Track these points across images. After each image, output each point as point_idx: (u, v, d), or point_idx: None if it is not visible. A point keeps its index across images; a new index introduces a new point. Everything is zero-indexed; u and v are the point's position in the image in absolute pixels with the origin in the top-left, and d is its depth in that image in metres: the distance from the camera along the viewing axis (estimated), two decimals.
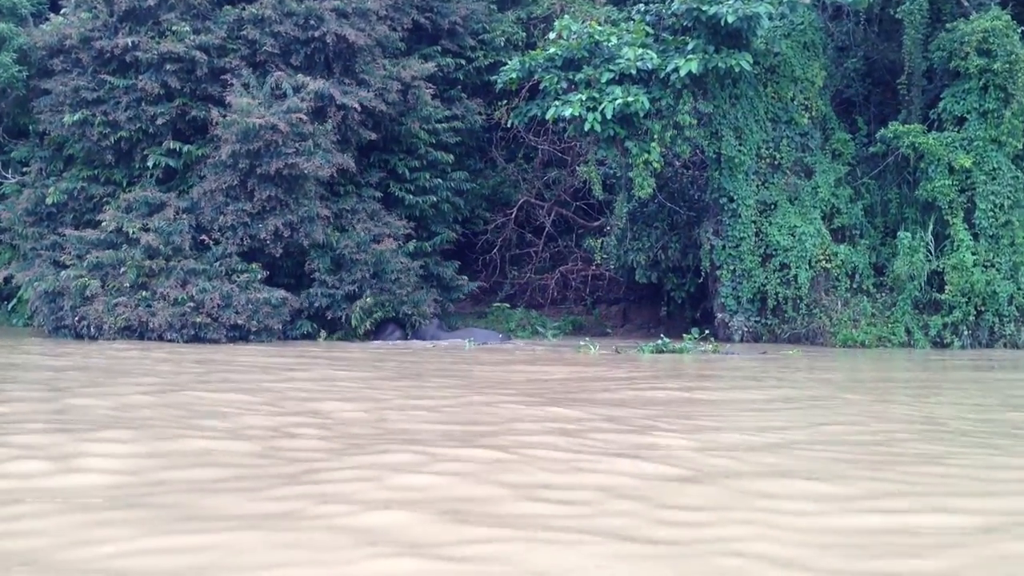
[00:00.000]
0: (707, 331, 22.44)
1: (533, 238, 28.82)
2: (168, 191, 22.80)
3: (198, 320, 21.11)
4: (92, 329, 21.49)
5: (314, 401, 11.02)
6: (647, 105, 21.20)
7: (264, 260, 22.41)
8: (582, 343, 20.44)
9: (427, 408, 10.58)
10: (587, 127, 21.24)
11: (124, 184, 23.23)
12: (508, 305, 27.16)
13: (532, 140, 28.41)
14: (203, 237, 22.01)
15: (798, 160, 23.62)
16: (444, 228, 25.76)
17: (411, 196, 24.70)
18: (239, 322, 21.29)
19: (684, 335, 21.63)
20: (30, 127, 24.89)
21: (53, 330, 22.32)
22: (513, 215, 28.30)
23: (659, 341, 20.05)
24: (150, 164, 22.78)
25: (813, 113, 23.76)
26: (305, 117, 21.70)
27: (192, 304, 21.17)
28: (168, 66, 22.59)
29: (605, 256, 25.62)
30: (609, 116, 21.25)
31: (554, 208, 28.56)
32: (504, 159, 28.90)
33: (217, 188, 21.98)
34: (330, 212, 23.03)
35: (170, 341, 20.94)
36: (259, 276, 21.94)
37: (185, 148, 22.86)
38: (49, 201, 23.30)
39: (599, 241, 25.85)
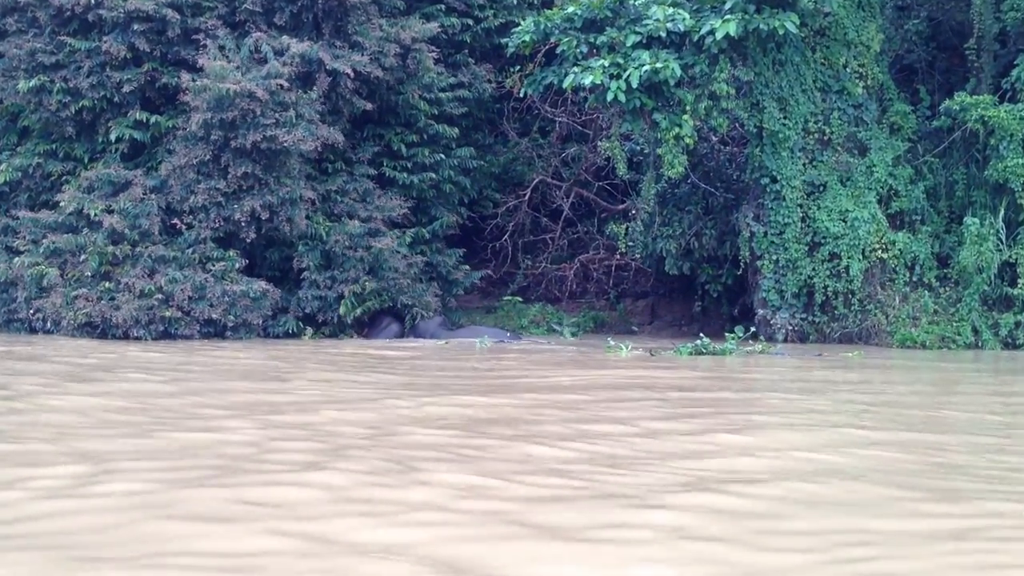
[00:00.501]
0: (752, 329, 22.01)
1: (549, 223, 28.61)
2: (136, 168, 22.20)
3: (167, 314, 20.58)
4: (48, 324, 21.10)
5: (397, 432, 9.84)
6: (678, 72, 20.65)
7: (242, 248, 21.89)
8: (611, 343, 20.04)
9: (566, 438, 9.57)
10: (610, 97, 20.64)
11: (86, 160, 22.60)
12: (520, 299, 26.79)
13: (549, 112, 28.14)
14: (174, 221, 21.54)
15: (851, 135, 23.00)
16: (446, 211, 25.31)
17: (406, 175, 24.25)
18: (214, 316, 20.79)
19: (727, 334, 21.17)
20: None
21: (4, 323, 21.94)
22: (527, 197, 28.01)
23: (698, 341, 19.55)
24: (114, 137, 22.15)
25: (868, 82, 23.16)
26: (287, 83, 21.18)
27: (160, 296, 20.63)
28: (136, 26, 21.90)
29: (631, 244, 25.25)
30: (635, 85, 20.58)
31: (573, 189, 28.22)
32: (517, 133, 28.65)
33: (187, 164, 21.41)
34: (316, 194, 22.58)
35: (136, 339, 20.40)
36: (236, 265, 21.41)
37: (154, 119, 22.22)
38: (1, 180, 22.74)
39: (623, 227, 25.38)
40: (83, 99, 22.12)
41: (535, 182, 28.23)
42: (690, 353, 19.13)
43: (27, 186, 22.96)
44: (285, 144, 21.12)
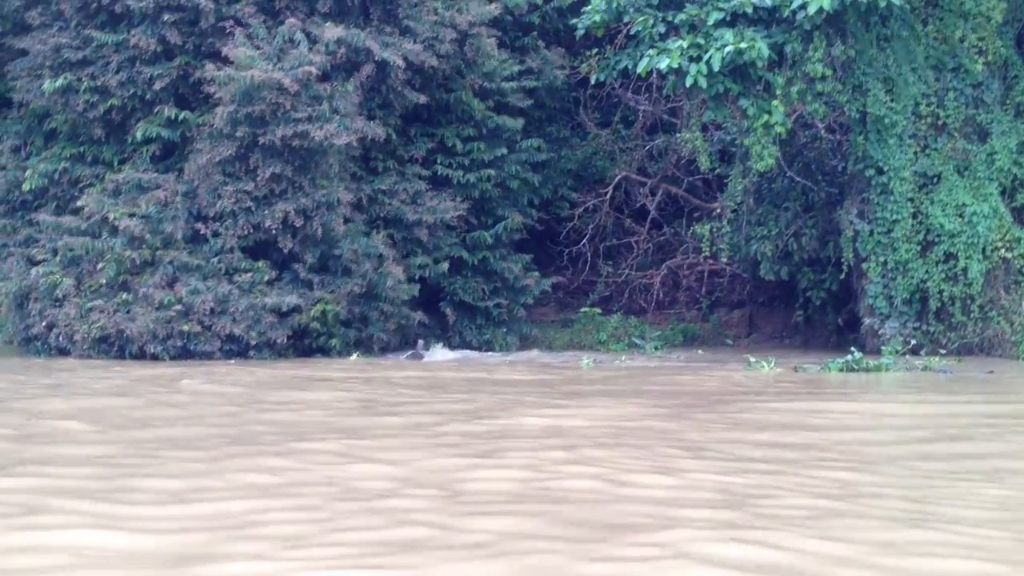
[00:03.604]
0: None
1: (634, 225, 29.23)
2: (167, 171, 23.60)
3: (185, 328, 21.70)
4: (62, 340, 22.34)
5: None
6: (766, 53, 21.25)
7: (275, 257, 22.95)
8: (752, 360, 20.33)
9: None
10: (689, 82, 21.34)
11: (115, 163, 24.07)
12: (599, 311, 27.50)
13: (631, 99, 28.80)
14: (199, 226, 22.64)
15: (969, 119, 23.65)
16: (512, 212, 26.27)
17: (463, 173, 25.31)
18: (236, 332, 21.82)
19: (883, 347, 22.10)
20: (3, 96, 25.92)
21: (24, 342, 23.18)
22: (608, 195, 28.63)
23: (848, 356, 19.96)
24: (139, 136, 23.59)
25: (990, 57, 23.67)
26: (318, 72, 22.28)
27: (179, 308, 21.76)
28: (166, 17, 23.28)
29: (720, 247, 26.18)
30: (717, 68, 21.30)
31: (661, 186, 28.97)
32: (596, 125, 29.35)
33: (211, 163, 22.52)
34: (359, 195, 23.89)
35: (153, 357, 21.59)
36: (265, 277, 22.45)
37: (183, 115, 23.64)
38: (26, 187, 24.25)
39: (706, 227, 26.21)
40: (112, 98, 23.50)
41: (617, 179, 28.80)
42: (840, 369, 19.59)
43: (54, 194, 24.39)
44: (317, 140, 22.03)
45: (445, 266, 25.14)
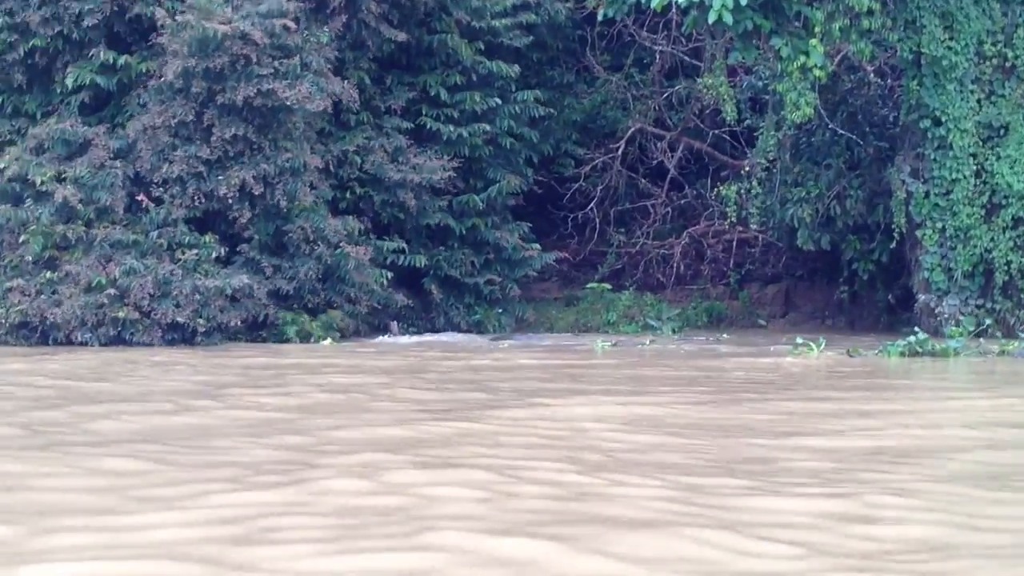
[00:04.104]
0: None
1: (650, 186, 28.92)
2: (99, 123, 22.78)
3: (120, 315, 20.82)
4: None
5: None
6: None
7: (225, 231, 22.59)
8: (799, 342, 19.57)
9: None
10: (712, 18, 20.32)
11: (39, 116, 23.31)
12: (609, 287, 27.10)
13: (647, 39, 28.43)
14: (140, 196, 22.04)
15: None
16: (506, 173, 25.75)
17: (452, 127, 24.75)
18: (180, 319, 21.10)
19: (951, 328, 21.60)
20: None
21: None
22: (620, 151, 28.14)
23: (911, 338, 19.26)
24: (69, 84, 22.69)
25: None
26: (293, 25, 21.98)
27: (113, 291, 20.87)
28: None
29: (750, 212, 25.55)
30: (745, 1, 20.15)
31: (682, 140, 28.53)
32: (606, 69, 29.00)
33: (162, 124, 21.96)
34: (327, 156, 23.45)
35: (82, 344, 20.75)
36: (214, 254, 21.94)
37: (123, 60, 22.80)
38: None
39: (734, 188, 25.48)
40: (33, 37, 22.58)
41: (630, 132, 28.30)
42: (901, 354, 19.00)
43: None
44: (287, 100, 21.65)
45: (423, 259, 24.92)
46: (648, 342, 22.24)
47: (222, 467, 8.22)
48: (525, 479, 7.74)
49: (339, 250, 22.63)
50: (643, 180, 29.21)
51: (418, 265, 24.57)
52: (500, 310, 25.71)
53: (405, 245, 24.57)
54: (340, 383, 14.25)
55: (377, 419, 10.93)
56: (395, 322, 24.39)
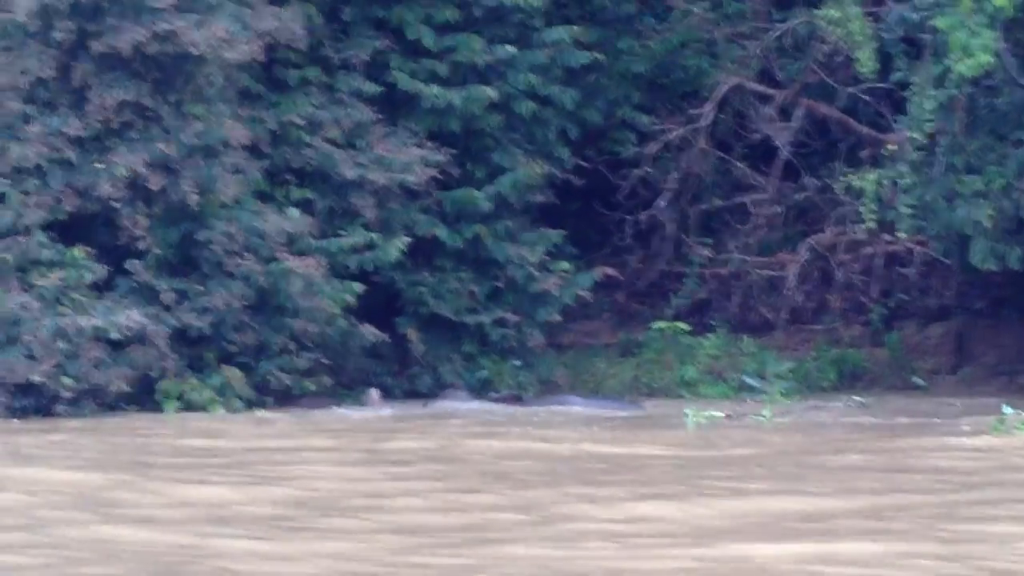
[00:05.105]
0: None
1: (751, 174, 26.50)
2: None
3: None
4: None
5: None
6: None
7: (106, 243, 21.13)
8: (1008, 412, 18.67)
9: None
10: None
11: None
12: (687, 326, 24.91)
13: None
14: None
15: None
16: (523, 157, 23.82)
17: (437, 89, 22.93)
18: (33, 379, 19.87)
19: None
20: None
21: None
22: (707, 121, 25.78)
23: None
24: None
25: None
26: None
27: None
28: None
29: (900, 213, 23.17)
30: None
31: (800, 103, 26.12)
32: None
33: (8, 84, 21.15)
34: (258, 130, 21.80)
35: None
36: (88, 276, 20.57)
37: None
38: None
39: (873, 177, 23.38)
40: None
41: (723, 91, 26.18)
42: None
43: None
44: (196, 47, 20.69)
45: (398, 250, 22.53)
46: (768, 415, 20.38)
47: None
48: None
49: (276, 264, 21.25)
50: (740, 164, 26.67)
51: (395, 262, 22.58)
52: (519, 363, 23.46)
53: (373, 236, 22.77)
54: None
55: None
56: (374, 389, 22.28)
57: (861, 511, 12.19)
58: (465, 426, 20.27)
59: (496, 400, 22.79)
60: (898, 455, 16.89)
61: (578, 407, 22.16)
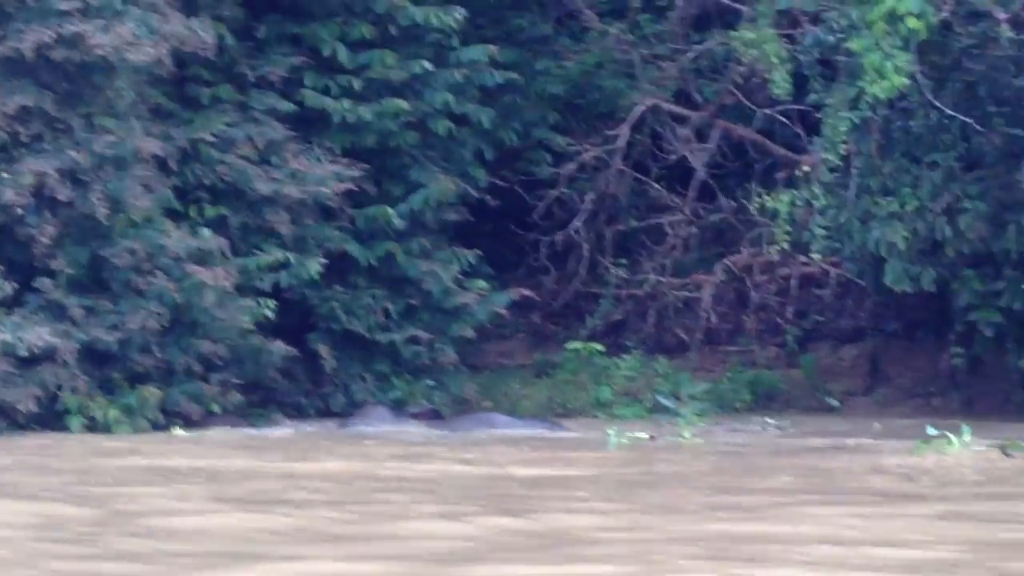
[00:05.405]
0: None
1: (667, 195, 26.74)
2: None
3: None
4: None
5: None
6: None
7: (13, 257, 20.87)
8: (933, 433, 18.17)
9: None
10: None
11: None
12: (602, 347, 24.83)
13: None
14: None
15: None
16: (439, 176, 23.72)
17: (353, 105, 22.87)
18: None
19: None
20: None
21: None
22: (621, 141, 25.91)
23: None
24: None
25: None
26: None
27: None
28: None
29: (815, 234, 23.15)
30: None
31: (716, 125, 26.37)
32: (600, 16, 26.95)
33: None
34: (170, 148, 21.45)
35: None
36: None
37: None
38: None
39: (787, 198, 23.42)
40: None
41: (639, 112, 26.19)
42: None
43: None
44: (102, 52, 20.21)
45: (317, 266, 22.35)
46: (687, 436, 20.40)
47: None
48: None
49: (188, 279, 20.97)
50: (656, 185, 26.81)
51: (310, 280, 22.40)
52: (431, 383, 23.29)
53: (288, 256, 22.48)
54: None
55: None
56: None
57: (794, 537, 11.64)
58: (383, 446, 19.88)
59: (415, 416, 22.50)
60: (831, 475, 16.77)
61: (502, 428, 21.81)
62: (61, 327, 20.36)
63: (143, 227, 20.99)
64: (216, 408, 21.66)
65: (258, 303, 21.81)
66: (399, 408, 23.16)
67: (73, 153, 20.27)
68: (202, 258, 21.27)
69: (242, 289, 21.90)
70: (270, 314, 21.90)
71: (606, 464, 18.17)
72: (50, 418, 20.44)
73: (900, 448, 18.51)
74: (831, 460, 17.97)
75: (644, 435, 20.14)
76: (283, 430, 21.92)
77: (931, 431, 18.36)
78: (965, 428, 18.21)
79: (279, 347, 22.09)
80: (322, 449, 19.97)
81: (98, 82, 20.69)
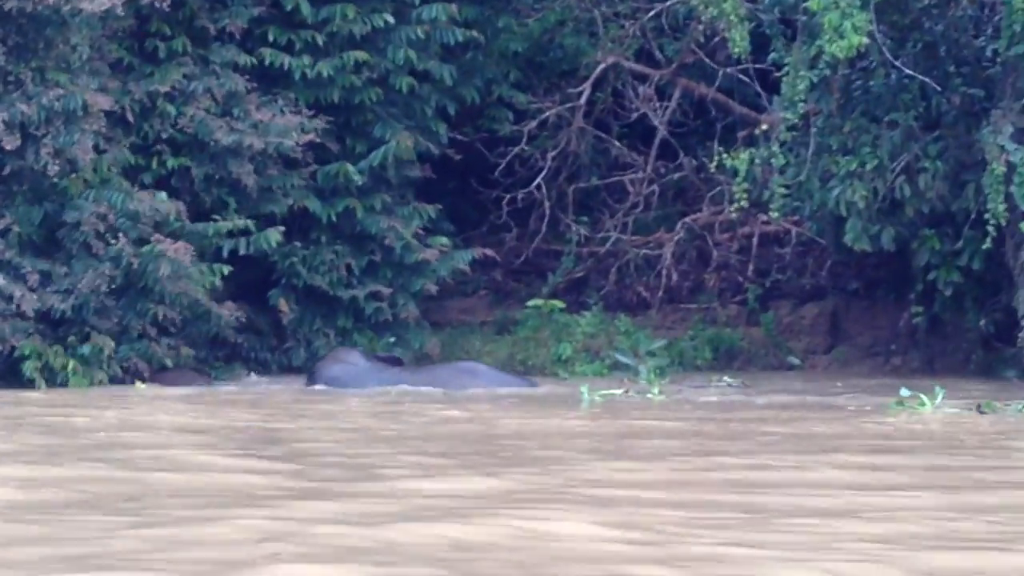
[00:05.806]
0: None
1: (628, 153, 27.04)
2: None
3: None
4: None
5: None
6: None
7: None
8: (906, 394, 18.30)
9: None
10: None
11: None
12: (563, 304, 25.09)
13: None
14: None
15: None
16: (400, 130, 23.88)
17: (312, 60, 23.15)
18: None
19: None
20: None
21: None
22: (583, 99, 26.30)
23: None
24: None
25: None
26: None
27: None
28: None
29: (774, 193, 23.09)
30: None
31: (677, 83, 26.70)
32: None
33: None
34: (127, 101, 21.75)
35: None
36: None
37: None
38: None
39: (745, 156, 23.02)
40: None
41: (600, 70, 26.45)
42: None
43: None
44: (53, 3, 20.34)
45: (277, 235, 22.55)
46: (656, 393, 20.16)
47: None
48: None
49: (149, 247, 20.91)
50: (618, 144, 27.15)
51: (269, 248, 22.65)
52: (392, 338, 23.58)
53: (249, 223, 22.54)
54: None
55: None
56: (250, 373, 22.64)
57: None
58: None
59: (380, 360, 22.08)
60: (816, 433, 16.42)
61: (483, 379, 21.57)
62: (16, 287, 20.40)
63: (100, 188, 21.09)
64: (168, 362, 21.66)
65: (211, 270, 21.84)
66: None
67: (23, 107, 20.35)
68: (160, 222, 21.43)
69: (202, 254, 21.91)
70: (218, 283, 21.88)
71: (597, 419, 18.00)
72: (3, 373, 20.73)
73: (871, 408, 18.56)
74: (814, 418, 17.66)
75: (618, 392, 20.31)
76: (267, 385, 21.75)
77: (904, 392, 18.63)
78: (939, 389, 18.42)
79: (230, 308, 22.10)
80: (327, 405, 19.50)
81: (50, 35, 20.83)
